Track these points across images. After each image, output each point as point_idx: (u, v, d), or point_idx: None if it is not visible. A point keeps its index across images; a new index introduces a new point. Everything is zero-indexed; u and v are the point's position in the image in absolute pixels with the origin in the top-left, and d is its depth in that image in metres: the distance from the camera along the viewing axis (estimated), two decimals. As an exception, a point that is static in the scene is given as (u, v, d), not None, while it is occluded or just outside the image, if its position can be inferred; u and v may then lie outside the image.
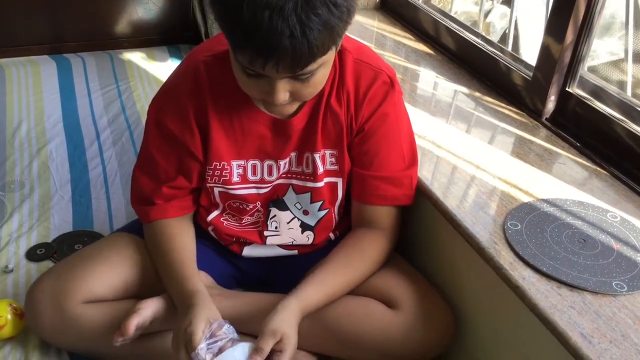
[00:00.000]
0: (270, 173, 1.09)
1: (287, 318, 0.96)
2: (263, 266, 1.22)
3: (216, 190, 1.11)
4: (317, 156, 1.07)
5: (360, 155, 1.08)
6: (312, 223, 1.14)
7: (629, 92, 1.26)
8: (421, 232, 1.22)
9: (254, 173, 1.09)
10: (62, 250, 1.41)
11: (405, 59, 1.62)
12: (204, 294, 1.00)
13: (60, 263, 1.19)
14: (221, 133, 1.04)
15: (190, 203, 1.13)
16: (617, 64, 1.98)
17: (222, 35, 1.03)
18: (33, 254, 1.40)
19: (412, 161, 1.10)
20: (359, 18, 1.87)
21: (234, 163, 1.07)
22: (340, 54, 1.02)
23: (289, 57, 0.80)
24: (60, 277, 1.12)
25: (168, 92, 1.07)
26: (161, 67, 2.26)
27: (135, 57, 2.33)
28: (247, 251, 1.19)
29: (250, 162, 1.08)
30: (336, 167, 1.09)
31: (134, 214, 1.18)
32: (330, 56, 0.89)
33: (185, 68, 1.07)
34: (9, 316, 1.16)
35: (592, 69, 1.67)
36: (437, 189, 1.10)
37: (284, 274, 1.20)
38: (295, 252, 1.19)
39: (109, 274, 1.11)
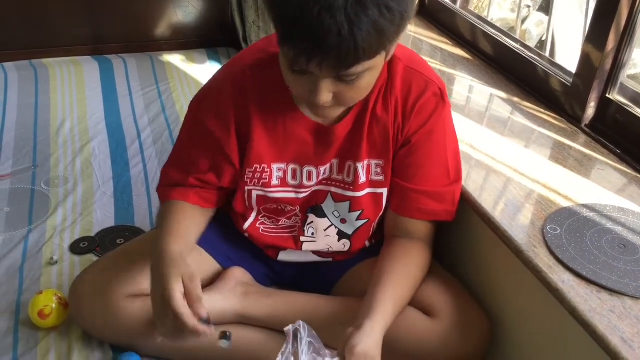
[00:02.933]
0: (309, 178, 1.09)
1: (376, 341, 0.92)
2: (297, 269, 1.23)
3: (254, 193, 1.10)
4: (359, 165, 1.06)
5: (403, 167, 1.06)
6: (349, 232, 1.14)
7: (670, 100, 1.25)
8: (458, 236, 1.22)
9: (294, 177, 1.09)
10: (105, 244, 1.45)
11: (442, 63, 1.63)
12: (176, 252, 0.99)
13: (105, 257, 1.22)
14: (263, 135, 1.04)
15: (214, 198, 1.11)
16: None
17: (269, 38, 1.05)
18: (77, 247, 1.45)
19: (457, 177, 1.08)
20: (396, 23, 1.89)
21: (275, 166, 1.07)
22: (391, 61, 0.99)
23: (334, 56, 0.79)
24: (105, 271, 1.16)
25: (211, 93, 1.08)
26: (200, 70, 2.31)
27: (175, 59, 2.38)
28: (283, 256, 1.21)
29: (291, 166, 1.08)
30: (382, 177, 1.07)
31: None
32: (379, 62, 0.88)
33: (230, 71, 1.07)
34: (54, 305, 1.20)
35: (632, 77, 1.66)
36: (474, 191, 1.11)
37: (316, 277, 1.22)
38: (329, 259, 1.20)
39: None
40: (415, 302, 1.08)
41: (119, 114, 2.01)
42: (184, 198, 1.09)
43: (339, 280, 1.21)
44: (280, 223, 1.15)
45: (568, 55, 2.53)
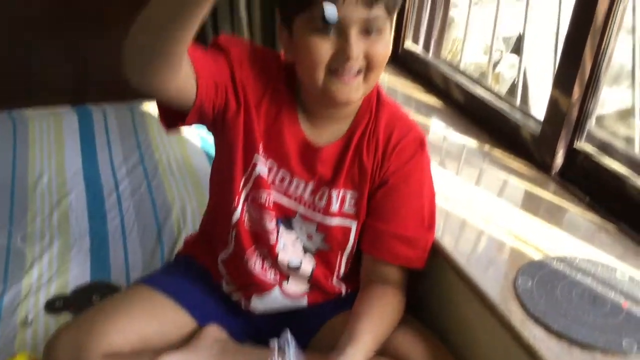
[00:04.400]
0: (282, 181, 1.10)
1: None
2: (273, 322, 1.23)
3: (244, 193, 1.10)
4: (334, 192, 1.08)
5: (379, 208, 1.09)
6: (312, 248, 1.15)
7: (636, 148, 1.29)
8: (433, 288, 1.23)
9: (282, 181, 1.10)
10: (80, 302, 1.43)
11: (416, 111, 1.66)
12: None
13: (80, 316, 1.20)
14: (262, 124, 1.06)
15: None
16: (624, 117, 2.01)
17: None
18: (52, 306, 1.43)
19: (430, 226, 1.11)
20: (370, 71, 1.92)
21: (267, 160, 1.08)
22: (379, 103, 1.07)
23: None
24: (80, 331, 1.14)
25: (256, 51, 1.07)
26: (178, 118, 2.32)
27: (154, 108, 2.40)
28: (255, 303, 1.20)
29: (281, 171, 1.09)
30: (354, 210, 1.10)
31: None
32: (388, 30, 0.96)
33: (275, 52, 1.10)
34: (28, 369, 1.18)
35: (600, 118, 1.70)
36: (447, 243, 1.12)
37: (293, 330, 1.21)
38: (304, 302, 1.20)
39: (128, 327, 1.13)
40: (390, 352, 1.07)
41: (97, 166, 2.01)
42: None
43: (316, 334, 1.21)
44: (264, 222, 1.12)
45: (540, 97, 2.59)
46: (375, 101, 1.07)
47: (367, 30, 0.93)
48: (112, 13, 2.28)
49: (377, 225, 1.09)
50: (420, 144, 1.08)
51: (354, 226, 1.11)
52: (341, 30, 0.93)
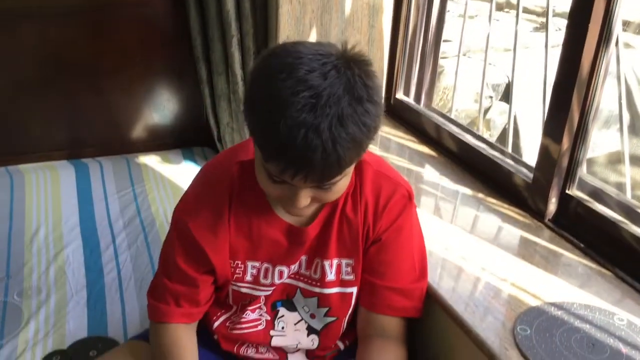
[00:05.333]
0: (280, 277, 1.11)
1: None
2: None
3: (230, 288, 1.13)
4: (326, 263, 1.09)
5: (373, 265, 1.09)
6: (318, 327, 1.15)
7: (628, 194, 1.31)
8: (430, 337, 1.23)
9: (265, 276, 1.11)
10: (77, 357, 1.42)
11: (409, 161, 1.69)
12: None
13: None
14: (240, 234, 1.08)
15: (199, 310, 1.14)
16: (614, 162, 2.04)
17: (241, 145, 1.10)
18: (49, 362, 1.42)
19: (423, 274, 1.12)
20: (364, 121, 1.96)
21: (249, 263, 1.10)
22: (360, 165, 1.06)
23: (319, 171, 0.85)
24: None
25: (200, 196, 1.09)
26: (175, 170, 2.35)
27: (151, 160, 2.42)
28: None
29: (264, 265, 1.10)
30: (352, 276, 1.10)
31: (148, 320, 1.19)
32: (353, 167, 0.95)
33: (221, 171, 1.09)
34: None
35: (590, 162, 1.72)
36: (445, 291, 1.13)
37: None
38: None
39: None
40: None
41: (93, 219, 2.02)
42: (171, 319, 1.11)
43: None
44: (243, 316, 1.15)
45: (531, 144, 2.64)
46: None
47: (320, 186, 0.92)
48: (104, 68, 2.34)
49: (372, 280, 1.10)
50: (409, 198, 1.09)
51: (354, 291, 1.12)
52: (292, 185, 0.91)
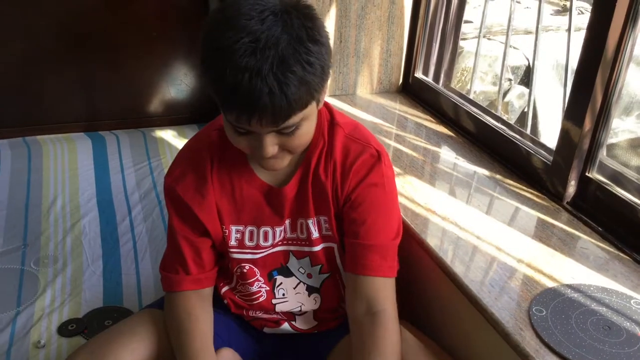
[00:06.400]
0: (265, 239, 1.14)
1: None
2: (288, 342, 1.24)
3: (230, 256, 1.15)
4: (310, 222, 1.11)
5: (349, 224, 1.11)
6: (316, 285, 1.18)
7: (648, 178, 1.29)
8: (445, 316, 1.23)
9: (251, 239, 1.14)
10: (93, 326, 1.44)
11: (427, 140, 1.68)
12: None
13: (94, 339, 1.21)
14: (224, 197, 1.11)
15: (206, 275, 1.16)
16: (635, 146, 2.02)
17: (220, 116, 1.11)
18: (64, 330, 1.44)
19: (398, 234, 1.13)
20: (381, 100, 1.95)
21: (233, 227, 1.13)
22: (332, 128, 1.09)
23: (270, 112, 0.87)
24: (94, 354, 1.15)
25: (184, 163, 1.12)
26: (191, 145, 2.35)
27: (167, 134, 2.43)
28: (267, 330, 1.23)
29: (248, 228, 1.13)
30: (329, 232, 1.13)
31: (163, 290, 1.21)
32: (312, 110, 0.96)
33: (201, 138, 1.14)
34: (41, 393, 1.19)
35: (610, 147, 1.71)
36: (461, 272, 1.13)
37: (308, 350, 1.22)
38: (316, 331, 1.22)
39: (141, 350, 1.13)
40: None
41: (110, 191, 2.03)
42: (185, 287, 1.14)
43: (331, 352, 1.21)
44: (244, 290, 1.18)
45: (550, 128, 2.61)
46: (328, 125, 1.10)
47: (282, 132, 0.94)
48: (123, 42, 2.34)
49: (349, 240, 1.11)
50: (378, 157, 1.10)
51: (335, 248, 1.14)
52: (255, 132, 0.94)
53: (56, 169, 2.15)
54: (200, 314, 1.14)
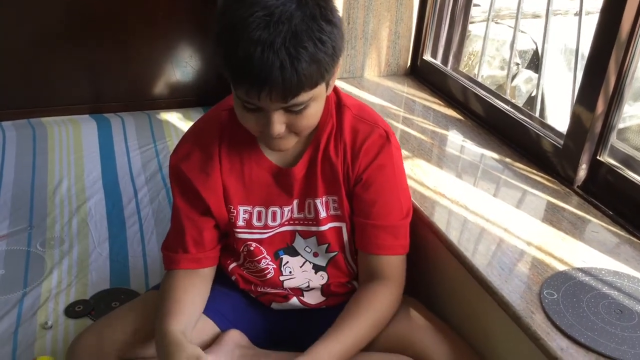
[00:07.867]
0: (274, 219, 1.14)
1: None
2: (296, 320, 1.24)
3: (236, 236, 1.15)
4: (318, 202, 1.12)
5: (360, 204, 1.12)
6: (323, 264, 1.18)
7: (660, 162, 1.28)
8: (454, 298, 1.23)
9: (259, 219, 1.14)
10: (100, 308, 1.44)
11: (435, 123, 1.66)
12: (177, 333, 1.00)
13: (101, 320, 1.21)
14: (232, 176, 1.11)
15: (206, 255, 1.16)
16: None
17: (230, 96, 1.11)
18: (71, 311, 1.44)
19: (408, 213, 1.14)
20: (389, 83, 1.93)
21: (241, 208, 1.13)
22: (340, 109, 1.10)
23: (280, 87, 0.88)
24: (100, 336, 1.15)
25: (190, 141, 1.13)
26: (196, 127, 2.34)
27: (172, 117, 2.42)
28: (275, 306, 1.23)
29: (256, 209, 1.13)
30: (338, 212, 1.13)
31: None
32: (321, 91, 0.96)
33: (210, 117, 1.14)
34: (49, 373, 1.19)
35: (621, 131, 1.69)
36: (471, 254, 1.12)
37: (316, 329, 1.21)
38: (324, 307, 1.22)
39: (148, 331, 1.14)
40: (412, 350, 1.08)
41: (115, 173, 2.03)
42: (182, 265, 1.14)
43: None
44: (252, 267, 1.19)
45: (557, 112, 2.59)
46: (335, 107, 1.11)
47: (290, 110, 0.94)
48: (129, 23, 2.32)
49: (360, 220, 1.13)
50: (386, 137, 1.11)
51: (343, 227, 1.15)
52: (263, 110, 0.94)
53: (61, 151, 2.15)
54: (188, 287, 1.13)
